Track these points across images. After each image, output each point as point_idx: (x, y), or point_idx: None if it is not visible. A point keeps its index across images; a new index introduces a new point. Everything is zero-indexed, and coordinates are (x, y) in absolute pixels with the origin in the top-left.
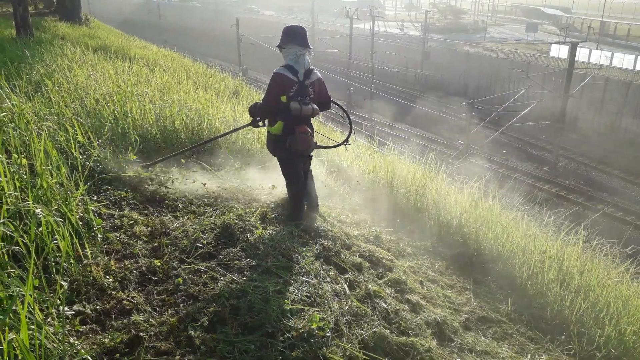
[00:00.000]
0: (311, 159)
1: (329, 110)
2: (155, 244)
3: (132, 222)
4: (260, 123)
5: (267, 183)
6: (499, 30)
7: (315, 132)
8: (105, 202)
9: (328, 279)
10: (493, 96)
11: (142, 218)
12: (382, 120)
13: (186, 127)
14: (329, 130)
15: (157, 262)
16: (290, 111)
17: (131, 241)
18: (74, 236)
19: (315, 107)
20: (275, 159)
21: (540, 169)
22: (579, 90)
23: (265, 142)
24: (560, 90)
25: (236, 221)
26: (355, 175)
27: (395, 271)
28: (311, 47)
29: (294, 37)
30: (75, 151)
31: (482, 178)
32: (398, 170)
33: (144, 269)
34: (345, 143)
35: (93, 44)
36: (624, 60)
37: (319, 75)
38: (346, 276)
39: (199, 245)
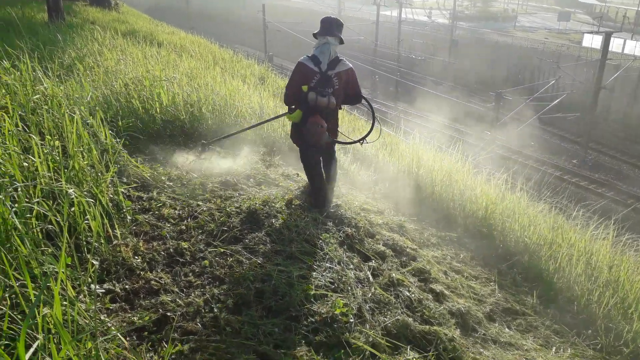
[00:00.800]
0: (333, 154)
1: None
2: (183, 227)
3: (161, 204)
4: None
5: (292, 170)
6: (529, 19)
7: (335, 126)
8: (134, 185)
9: (351, 266)
10: (522, 86)
11: (170, 201)
12: (407, 109)
13: (212, 113)
14: (353, 119)
15: (184, 244)
16: (307, 101)
17: (159, 223)
18: (104, 217)
19: (333, 99)
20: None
21: (570, 161)
22: (612, 81)
23: (290, 132)
24: (592, 81)
25: (261, 207)
26: (380, 164)
27: (419, 260)
28: (342, 40)
29: (326, 27)
30: (107, 136)
31: (510, 170)
32: (423, 160)
33: (171, 250)
34: (362, 141)
35: (122, 29)
36: None
37: (349, 66)
38: (370, 264)
39: (225, 229)
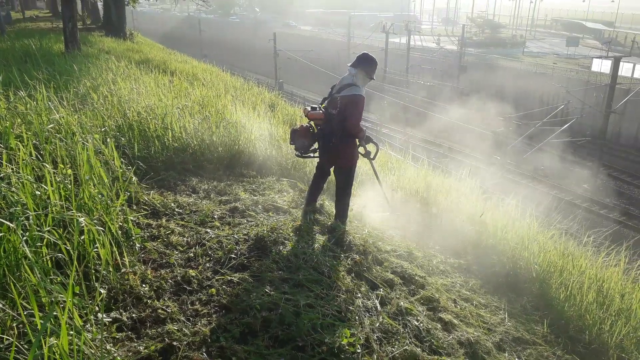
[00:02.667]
0: (339, 177)
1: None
2: (191, 254)
3: (169, 232)
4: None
5: (302, 197)
6: (538, 45)
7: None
8: (144, 213)
9: (359, 295)
10: (531, 111)
11: (178, 228)
12: (417, 134)
13: (223, 140)
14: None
15: (192, 272)
16: None
17: (167, 251)
18: (113, 245)
19: (318, 112)
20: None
21: (580, 186)
22: (622, 105)
23: None
24: (602, 105)
25: (269, 233)
26: (388, 189)
27: (427, 289)
28: (368, 74)
29: (355, 60)
30: (117, 163)
31: (519, 195)
32: (432, 186)
33: (179, 278)
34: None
35: (136, 58)
36: None
37: (354, 93)
38: (377, 292)
39: (233, 256)
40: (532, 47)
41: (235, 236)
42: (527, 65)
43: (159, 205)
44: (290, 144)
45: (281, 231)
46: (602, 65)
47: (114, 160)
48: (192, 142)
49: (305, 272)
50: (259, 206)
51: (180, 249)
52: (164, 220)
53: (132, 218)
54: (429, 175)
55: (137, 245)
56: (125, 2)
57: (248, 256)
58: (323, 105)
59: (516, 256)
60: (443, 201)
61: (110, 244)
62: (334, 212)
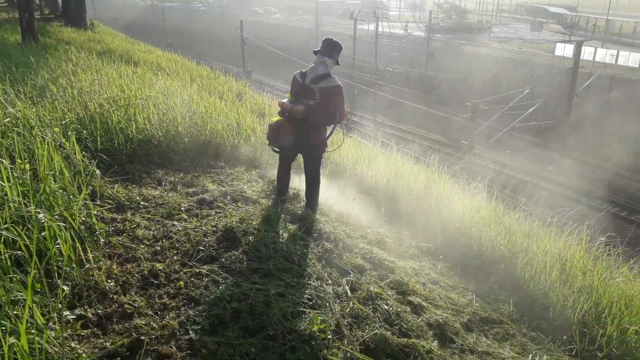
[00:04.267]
0: (312, 164)
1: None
2: (158, 248)
3: (135, 225)
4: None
5: (271, 187)
6: (503, 30)
7: (317, 138)
8: (108, 207)
9: (329, 281)
10: (497, 96)
11: (144, 222)
12: (386, 121)
13: (190, 131)
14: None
15: (159, 266)
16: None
17: (133, 245)
18: (76, 240)
19: (298, 106)
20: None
21: (545, 168)
22: (584, 89)
23: None
24: (566, 89)
25: (238, 224)
26: (357, 176)
27: (397, 273)
28: (333, 58)
29: (321, 47)
30: (78, 157)
31: (486, 178)
32: (401, 172)
33: (145, 272)
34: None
35: (98, 49)
36: (629, 58)
37: (335, 84)
38: (348, 278)
39: (201, 248)
40: (498, 32)
41: (203, 228)
42: (494, 50)
43: (123, 199)
44: (272, 143)
45: (250, 221)
46: (565, 50)
47: (75, 154)
48: (157, 133)
49: (275, 261)
50: (228, 197)
51: (147, 242)
52: (129, 214)
53: (95, 213)
54: (398, 161)
55: (102, 240)
56: None
57: (217, 248)
58: (288, 95)
59: (483, 238)
60: (413, 187)
61: (73, 240)
62: (305, 200)
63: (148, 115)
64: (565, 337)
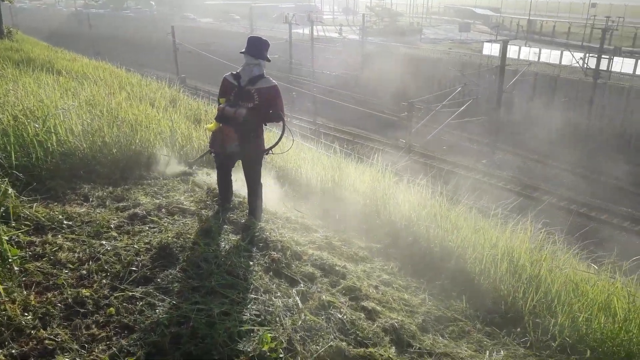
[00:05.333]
0: (253, 169)
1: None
2: (84, 272)
3: (57, 248)
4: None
5: (209, 197)
6: (434, 31)
7: (257, 141)
8: (25, 229)
9: (279, 294)
10: (431, 95)
11: (68, 243)
12: (326, 123)
13: (118, 141)
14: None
15: (85, 292)
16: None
17: (55, 270)
18: None
19: (241, 110)
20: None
21: (479, 161)
22: (512, 85)
23: None
24: (494, 86)
25: (175, 239)
26: (303, 179)
27: (349, 278)
28: (267, 58)
29: (248, 46)
30: None
31: (427, 175)
32: (345, 173)
33: (70, 300)
34: (268, 152)
35: (16, 58)
36: (550, 55)
37: (272, 84)
38: (298, 288)
39: (134, 269)
40: (428, 34)
41: (136, 246)
42: (425, 51)
43: (43, 218)
44: (217, 151)
45: (189, 235)
46: (492, 49)
47: None
48: (82, 145)
49: (218, 277)
50: (163, 210)
51: (71, 266)
52: (49, 236)
53: (5, 238)
54: (342, 162)
55: (16, 268)
56: None
57: (151, 267)
58: (223, 100)
59: (431, 235)
60: (358, 187)
61: None
62: (248, 208)
63: (70, 126)
64: (519, 329)
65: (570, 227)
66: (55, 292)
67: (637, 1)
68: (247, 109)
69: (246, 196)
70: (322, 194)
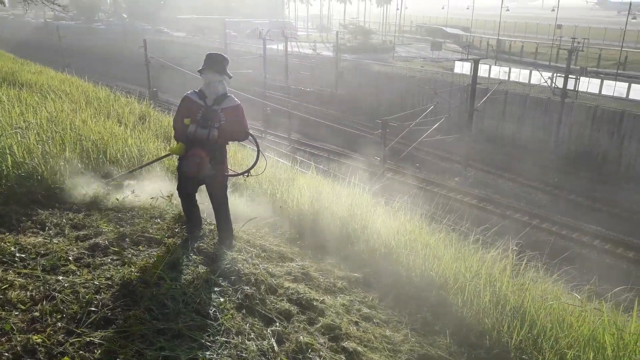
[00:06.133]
0: (221, 189)
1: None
2: (36, 313)
3: (6, 286)
4: None
5: (178, 224)
6: (406, 50)
7: (224, 160)
8: None
9: (252, 335)
10: (405, 112)
11: (20, 279)
12: (301, 139)
13: (82, 161)
14: (247, 156)
15: (36, 338)
16: (188, 134)
17: (3, 313)
18: None
19: (214, 132)
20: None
21: (452, 179)
22: (483, 103)
23: None
24: (466, 104)
25: (139, 274)
26: (277, 202)
27: (327, 314)
28: (229, 75)
29: (211, 63)
30: None
31: (403, 195)
32: (323, 195)
33: (18, 349)
34: (246, 174)
35: None
36: (520, 74)
37: (237, 102)
38: (273, 328)
39: (93, 309)
40: (401, 52)
41: (96, 282)
42: (398, 69)
43: None
44: (191, 175)
45: (154, 269)
46: (463, 67)
47: None
48: (40, 167)
49: (186, 317)
50: (127, 239)
51: (22, 307)
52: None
53: None
54: (320, 183)
55: None
56: None
57: (113, 307)
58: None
59: (411, 263)
60: (335, 210)
61: None
62: (218, 235)
63: (28, 146)
64: None
65: (542, 245)
66: (3, 339)
67: (600, 24)
68: (216, 129)
69: (214, 222)
70: (298, 218)
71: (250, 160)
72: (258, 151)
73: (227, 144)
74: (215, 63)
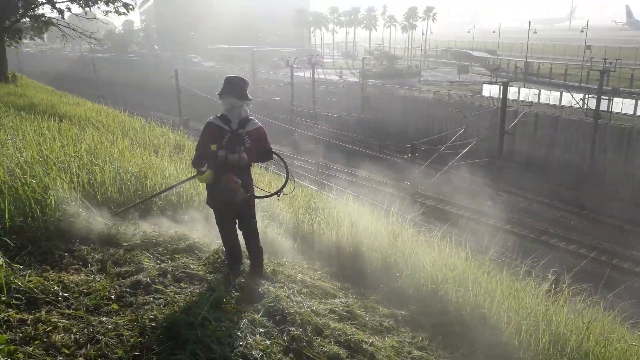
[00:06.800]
0: (252, 214)
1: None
2: (80, 358)
3: (50, 328)
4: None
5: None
6: (432, 74)
7: (251, 183)
8: (16, 304)
9: None
10: (433, 137)
11: (63, 321)
12: (329, 164)
13: (121, 195)
14: (273, 179)
15: None
16: (217, 159)
17: (48, 358)
18: None
19: (244, 155)
20: None
21: (484, 204)
22: (513, 126)
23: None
24: (496, 127)
25: (183, 315)
26: (315, 233)
27: (378, 358)
28: (250, 99)
29: (232, 88)
30: None
31: (439, 221)
32: (360, 223)
33: None
34: (279, 193)
35: (19, 103)
36: (550, 96)
37: (258, 124)
38: None
39: (137, 354)
40: (427, 76)
41: (140, 324)
42: (425, 93)
43: (37, 290)
44: (228, 203)
45: (198, 309)
46: (491, 90)
47: None
48: (82, 201)
49: None
50: (168, 276)
51: (66, 351)
52: (43, 312)
53: None
54: (354, 212)
55: (2, 359)
56: (6, 43)
57: (158, 351)
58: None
59: (460, 301)
60: (374, 241)
61: None
62: (252, 262)
63: (71, 179)
64: None
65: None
66: None
67: (631, 43)
68: (244, 152)
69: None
70: (337, 250)
71: (277, 183)
72: (286, 169)
73: (252, 165)
74: (235, 87)
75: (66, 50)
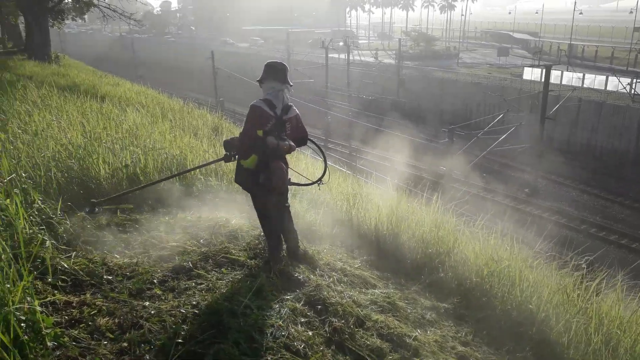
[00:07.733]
0: (286, 198)
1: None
2: (125, 344)
3: (95, 311)
4: (233, 158)
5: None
6: (470, 56)
7: (289, 169)
8: (62, 285)
9: None
10: (471, 121)
11: (107, 304)
12: (362, 148)
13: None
14: (306, 166)
15: None
16: (266, 146)
17: (93, 342)
18: (11, 352)
19: (292, 143)
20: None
21: (522, 190)
22: (555, 111)
23: (234, 176)
24: (537, 112)
25: (225, 303)
26: (354, 221)
27: (421, 354)
28: (291, 84)
29: (274, 73)
30: (21, 224)
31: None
32: (400, 211)
33: None
34: (319, 182)
35: (62, 83)
36: (595, 81)
37: (297, 111)
38: None
39: (180, 341)
40: (465, 58)
41: (182, 310)
42: (463, 75)
43: (82, 272)
44: (279, 191)
45: (240, 297)
46: (532, 74)
47: (20, 219)
48: (124, 183)
49: (276, 353)
50: (210, 261)
51: (110, 335)
52: (88, 295)
53: (39, 308)
54: (394, 199)
55: (49, 343)
56: (50, 24)
57: (200, 340)
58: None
59: (505, 296)
60: (415, 230)
61: (6, 349)
62: (288, 248)
63: (114, 162)
64: None
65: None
66: None
67: None
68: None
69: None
70: (376, 238)
71: (313, 169)
72: (324, 158)
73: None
74: (278, 72)
75: (106, 30)
